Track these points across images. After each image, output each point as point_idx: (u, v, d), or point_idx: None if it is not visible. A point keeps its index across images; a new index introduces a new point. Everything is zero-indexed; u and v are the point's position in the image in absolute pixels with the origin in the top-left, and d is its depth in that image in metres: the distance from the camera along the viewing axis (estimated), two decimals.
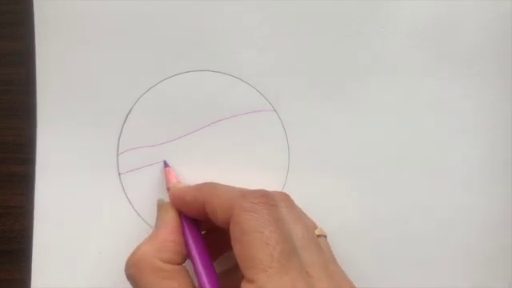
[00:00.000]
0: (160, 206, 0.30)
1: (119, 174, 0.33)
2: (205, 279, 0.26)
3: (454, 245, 0.34)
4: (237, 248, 0.25)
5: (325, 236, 0.29)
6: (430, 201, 0.34)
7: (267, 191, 0.27)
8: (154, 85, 0.33)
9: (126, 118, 0.33)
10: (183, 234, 0.29)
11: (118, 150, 0.33)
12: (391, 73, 0.33)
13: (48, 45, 0.32)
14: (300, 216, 0.28)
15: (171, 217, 0.29)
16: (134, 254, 0.27)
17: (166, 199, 0.31)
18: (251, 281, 0.24)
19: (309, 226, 0.28)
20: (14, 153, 0.33)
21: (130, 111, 0.33)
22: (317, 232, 0.28)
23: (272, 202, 0.26)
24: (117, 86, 0.33)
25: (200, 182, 0.29)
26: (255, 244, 0.24)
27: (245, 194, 0.26)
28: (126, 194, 0.33)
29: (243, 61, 0.33)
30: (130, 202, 0.33)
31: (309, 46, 0.33)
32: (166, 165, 0.32)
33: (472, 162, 0.34)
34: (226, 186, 0.28)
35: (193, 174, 0.33)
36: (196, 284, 0.27)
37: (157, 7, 0.32)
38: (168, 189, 0.31)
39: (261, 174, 0.33)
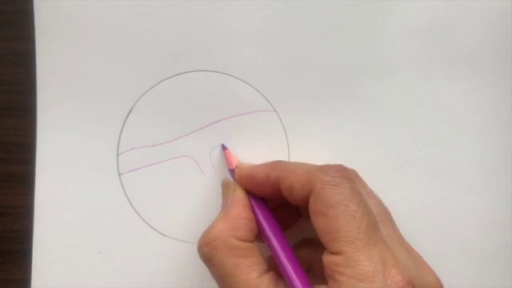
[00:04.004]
0: (226, 184, 0.30)
1: (119, 174, 0.33)
2: (282, 253, 0.26)
3: (453, 244, 0.34)
4: (320, 221, 0.25)
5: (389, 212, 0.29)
6: (430, 201, 0.34)
7: (344, 166, 0.27)
8: (154, 85, 0.33)
9: (126, 118, 0.33)
10: (253, 211, 0.28)
11: (118, 150, 0.33)
12: (391, 73, 0.33)
13: (48, 45, 0.32)
14: (371, 191, 0.28)
15: (239, 194, 0.29)
16: (207, 233, 0.27)
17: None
18: (338, 253, 0.24)
19: (379, 201, 0.28)
20: (14, 153, 0.33)
21: (130, 111, 0.33)
22: None
23: (350, 176, 0.26)
24: (117, 86, 0.33)
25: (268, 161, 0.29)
26: (341, 217, 0.24)
27: (324, 168, 0.26)
28: (125, 193, 0.33)
29: (243, 61, 0.33)
30: (129, 201, 0.33)
31: (309, 46, 0.33)
32: (224, 147, 0.32)
33: (472, 162, 0.34)
34: (297, 162, 0.28)
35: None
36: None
37: (157, 7, 0.32)
38: (231, 170, 0.31)
39: None
